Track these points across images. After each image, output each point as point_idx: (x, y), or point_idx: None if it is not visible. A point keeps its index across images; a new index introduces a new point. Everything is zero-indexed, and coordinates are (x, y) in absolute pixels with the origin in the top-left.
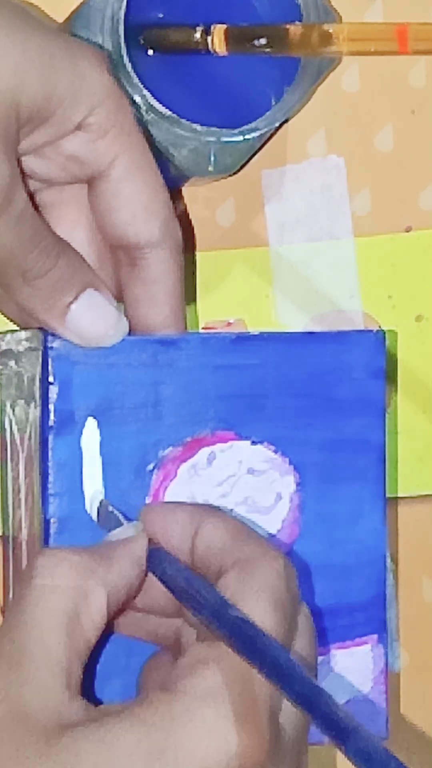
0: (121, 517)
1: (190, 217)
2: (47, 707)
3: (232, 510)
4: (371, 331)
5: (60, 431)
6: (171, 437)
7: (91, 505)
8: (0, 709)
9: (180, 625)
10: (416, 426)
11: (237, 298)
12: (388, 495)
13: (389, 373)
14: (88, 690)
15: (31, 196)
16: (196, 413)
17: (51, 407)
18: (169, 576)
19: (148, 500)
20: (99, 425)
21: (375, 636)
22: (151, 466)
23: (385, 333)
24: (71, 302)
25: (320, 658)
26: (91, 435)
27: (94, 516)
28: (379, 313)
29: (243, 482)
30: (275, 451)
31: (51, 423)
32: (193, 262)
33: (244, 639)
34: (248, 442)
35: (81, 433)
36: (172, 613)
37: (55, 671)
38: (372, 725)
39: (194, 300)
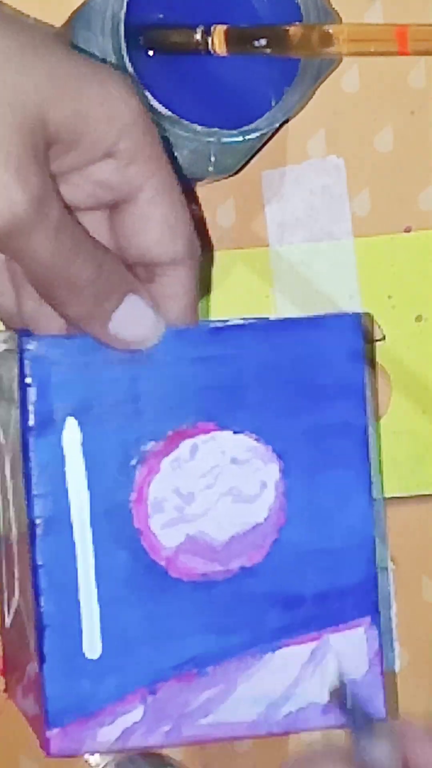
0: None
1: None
2: None
3: (217, 501)
4: (347, 314)
5: (40, 432)
6: (152, 432)
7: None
8: None
9: None
10: (416, 426)
11: (237, 298)
12: (388, 495)
13: (386, 365)
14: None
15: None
16: (176, 406)
17: (30, 409)
18: None
19: (132, 496)
20: (79, 424)
21: (368, 618)
22: (134, 462)
23: (361, 315)
24: (114, 309)
25: (314, 644)
26: (72, 435)
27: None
28: (379, 313)
29: (227, 472)
30: (257, 440)
31: (31, 424)
32: None
33: None
34: (230, 432)
35: (62, 434)
36: None
37: None
38: (369, 707)
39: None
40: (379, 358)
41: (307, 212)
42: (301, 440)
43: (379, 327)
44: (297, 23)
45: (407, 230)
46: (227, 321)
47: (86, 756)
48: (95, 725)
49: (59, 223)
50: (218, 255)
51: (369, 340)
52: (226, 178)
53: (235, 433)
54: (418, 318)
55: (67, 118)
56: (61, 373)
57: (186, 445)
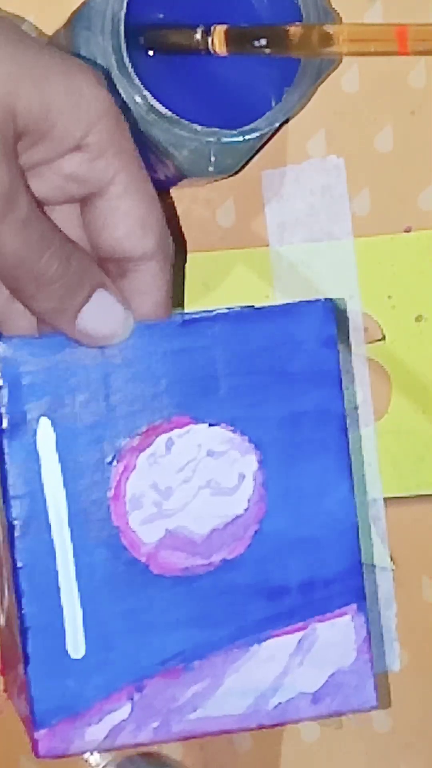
0: None
1: (191, 217)
2: None
3: (195, 494)
4: (318, 300)
5: (14, 434)
6: (127, 428)
7: None
8: None
9: None
10: (416, 426)
11: (237, 298)
12: (388, 495)
13: (388, 365)
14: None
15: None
16: (150, 401)
17: (2, 411)
18: None
19: (109, 494)
20: (53, 424)
21: (354, 606)
22: (109, 459)
23: (333, 301)
24: (83, 304)
25: (301, 633)
26: (46, 435)
27: None
28: (379, 313)
29: (204, 465)
30: (233, 431)
31: (4, 427)
32: (193, 262)
33: None
34: (205, 425)
35: (35, 434)
36: None
37: None
38: (360, 695)
39: (181, 305)
40: (379, 358)
41: (307, 212)
42: (278, 429)
43: (380, 327)
44: (297, 23)
45: (407, 230)
46: (197, 312)
47: (86, 756)
48: (83, 724)
49: (27, 217)
50: (218, 255)
51: (369, 340)
52: (226, 178)
53: (210, 425)
54: (418, 318)
55: (36, 110)
56: (32, 373)
57: (161, 439)
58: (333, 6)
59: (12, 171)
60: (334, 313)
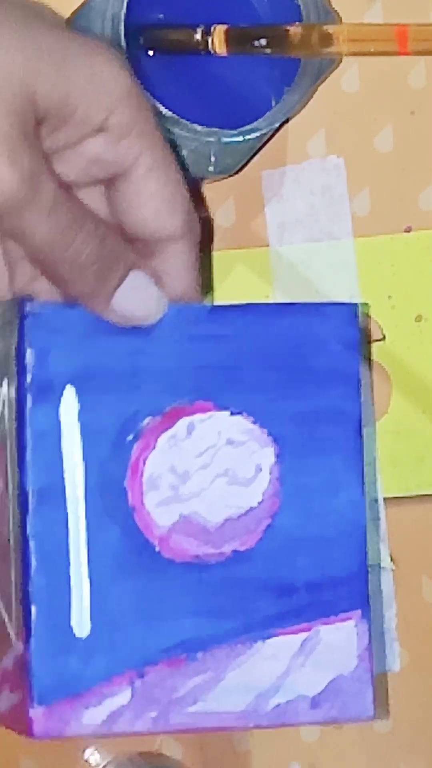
0: None
1: None
2: None
3: (212, 482)
4: (345, 303)
5: (38, 399)
6: (150, 407)
7: None
8: None
9: None
10: (416, 426)
11: (237, 298)
12: (388, 495)
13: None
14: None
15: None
16: (175, 383)
17: (28, 373)
18: None
19: (127, 471)
20: (77, 394)
21: (359, 611)
22: (130, 437)
23: (358, 305)
24: (117, 286)
25: (305, 634)
26: (69, 404)
27: None
28: (379, 313)
29: (223, 453)
30: (254, 422)
31: (28, 388)
32: None
33: None
34: (227, 413)
35: (59, 402)
36: None
37: None
38: (357, 704)
39: (210, 289)
40: (379, 358)
41: (307, 212)
42: (296, 425)
43: (380, 327)
44: (297, 23)
45: (407, 230)
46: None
47: (86, 756)
48: (81, 706)
49: (54, 201)
50: (218, 255)
51: (369, 340)
52: (226, 178)
53: (232, 414)
54: (418, 318)
55: (56, 94)
56: (61, 339)
57: (183, 422)
58: (333, 6)
59: (34, 156)
60: (359, 318)
